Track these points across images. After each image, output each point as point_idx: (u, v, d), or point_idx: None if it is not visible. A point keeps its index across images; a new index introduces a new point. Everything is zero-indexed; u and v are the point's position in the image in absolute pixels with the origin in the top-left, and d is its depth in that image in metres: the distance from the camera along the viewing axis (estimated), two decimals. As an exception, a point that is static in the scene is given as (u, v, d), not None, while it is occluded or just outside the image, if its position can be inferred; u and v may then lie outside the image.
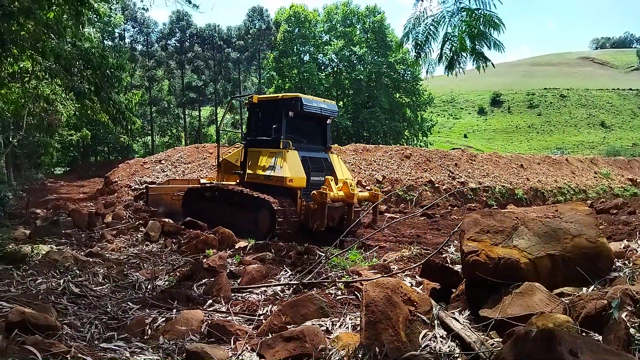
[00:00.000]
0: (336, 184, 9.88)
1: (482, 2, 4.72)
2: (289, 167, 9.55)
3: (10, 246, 6.84)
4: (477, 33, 4.68)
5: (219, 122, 12.97)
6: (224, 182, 11.61)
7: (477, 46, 4.85)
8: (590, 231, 3.60)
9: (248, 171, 10.60)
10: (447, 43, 4.98)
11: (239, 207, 10.29)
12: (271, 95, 11.57)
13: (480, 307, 3.32)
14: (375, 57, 44.77)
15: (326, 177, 9.79)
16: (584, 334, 2.70)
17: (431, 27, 4.99)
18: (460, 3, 4.78)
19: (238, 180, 11.26)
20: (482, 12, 4.65)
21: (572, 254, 3.46)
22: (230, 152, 12.57)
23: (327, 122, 11.06)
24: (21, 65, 11.04)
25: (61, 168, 43.25)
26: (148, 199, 12.48)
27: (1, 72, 10.91)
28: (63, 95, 14.77)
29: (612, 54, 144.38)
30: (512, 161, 25.95)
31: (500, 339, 2.93)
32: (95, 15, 10.36)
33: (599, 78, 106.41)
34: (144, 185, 16.07)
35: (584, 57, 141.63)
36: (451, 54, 4.98)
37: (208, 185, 11.87)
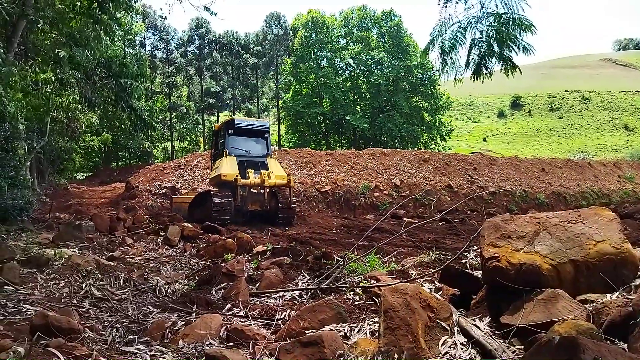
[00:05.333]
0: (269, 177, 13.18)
1: (509, 7, 4.67)
2: (225, 167, 12.97)
3: (34, 250, 7.01)
4: (505, 38, 4.62)
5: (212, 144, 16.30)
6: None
7: (505, 51, 4.80)
8: (614, 236, 3.52)
9: (210, 176, 14.48)
10: (474, 49, 4.93)
11: (203, 203, 13.50)
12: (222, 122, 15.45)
13: (501, 313, 3.27)
14: (393, 61, 44.56)
15: (247, 170, 12.99)
16: (608, 341, 2.63)
17: (458, 33, 4.95)
18: (486, 8, 4.73)
19: None
20: (511, 16, 4.60)
21: (596, 259, 3.38)
22: None
23: (266, 135, 14.64)
24: (42, 77, 11.31)
25: (83, 173, 43.94)
26: (172, 207, 15.55)
27: (25, 80, 11.19)
28: (82, 103, 15.30)
29: (636, 56, 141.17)
30: (533, 165, 25.53)
31: (522, 347, 2.88)
32: (116, 24, 10.57)
33: (622, 80, 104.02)
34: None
35: (606, 58, 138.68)
36: (478, 60, 4.94)
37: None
